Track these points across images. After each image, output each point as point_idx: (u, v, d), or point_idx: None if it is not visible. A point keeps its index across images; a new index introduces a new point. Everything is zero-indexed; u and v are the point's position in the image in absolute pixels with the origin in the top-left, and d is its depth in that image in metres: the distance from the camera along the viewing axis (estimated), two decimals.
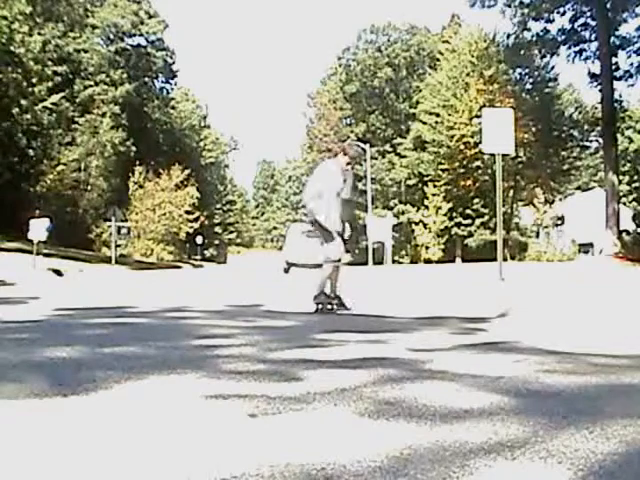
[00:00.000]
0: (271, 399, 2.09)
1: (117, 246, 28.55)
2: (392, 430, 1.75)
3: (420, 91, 44.73)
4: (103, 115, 39.52)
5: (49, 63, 32.05)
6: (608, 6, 25.96)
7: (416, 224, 40.62)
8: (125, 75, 43.60)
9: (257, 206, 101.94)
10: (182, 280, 16.38)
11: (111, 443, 1.62)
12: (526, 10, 28.15)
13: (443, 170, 39.52)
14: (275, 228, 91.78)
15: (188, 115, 59.08)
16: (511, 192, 39.25)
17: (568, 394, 2.22)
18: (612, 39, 26.27)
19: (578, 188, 54.93)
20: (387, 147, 48.88)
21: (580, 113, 38.89)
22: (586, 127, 36.87)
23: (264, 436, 1.68)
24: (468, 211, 39.85)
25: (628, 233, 24.82)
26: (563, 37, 28.23)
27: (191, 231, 42.93)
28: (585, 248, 36.61)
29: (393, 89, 52.32)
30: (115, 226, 27.78)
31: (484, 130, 9.65)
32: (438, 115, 39.75)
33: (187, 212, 40.70)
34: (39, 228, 18.69)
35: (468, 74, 38.83)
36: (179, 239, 42.94)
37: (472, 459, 1.49)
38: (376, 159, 47.08)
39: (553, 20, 28.40)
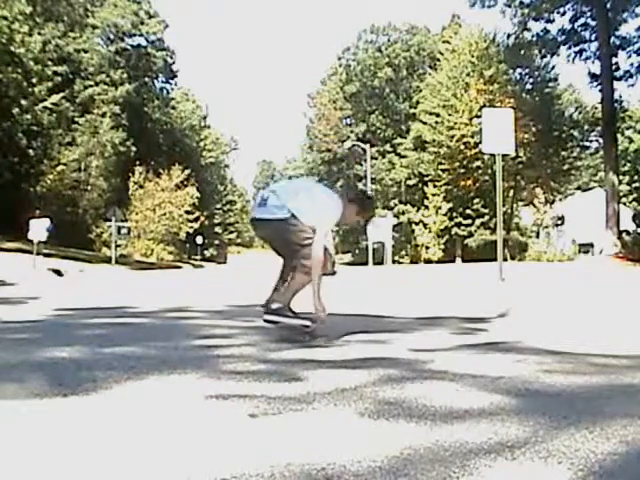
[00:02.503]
0: (271, 399, 2.09)
1: (117, 246, 28.54)
2: (392, 430, 1.75)
3: (420, 91, 44.76)
4: (103, 115, 39.53)
5: (49, 63, 32.05)
6: (608, 6, 25.96)
7: (416, 224, 40.63)
8: (125, 75, 43.59)
9: None
10: (182, 280, 16.37)
11: (111, 443, 1.62)
12: (526, 10, 28.18)
13: (443, 170, 39.53)
14: None
15: (188, 115, 59.08)
16: (511, 192, 39.27)
17: (568, 394, 2.22)
18: (612, 39, 26.29)
19: (578, 188, 54.94)
20: (387, 147, 48.93)
21: (580, 113, 38.92)
22: (586, 127, 36.89)
23: (264, 436, 1.69)
24: (468, 211, 39.88)
25: (628, 233, 24.81)
26: (563, 37, 28.25)
27: (191, 231, 42.93)
28: (585, 248, 36.58)
29: (393, 89, 52.36)
30: (115, 226, 27.77)
31: (484, 130, 9.65)
32: (438, 115, 39.76)
33: (187, 212, 40.70)
34: (39, 228, 18.68)
35: (468, 74, 38.85)
36: (179, 239, 42.95)
37: (472, 459, 1.49)
38: (376, 159, 47.12)
39: (553, 20, 28.45)
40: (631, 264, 18.10)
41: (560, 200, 43.19)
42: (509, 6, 28.61)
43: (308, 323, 3.81)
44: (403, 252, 42.15)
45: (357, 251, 50.60)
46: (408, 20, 54.00)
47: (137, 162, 39.94)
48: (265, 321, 3.86)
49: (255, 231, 4.17)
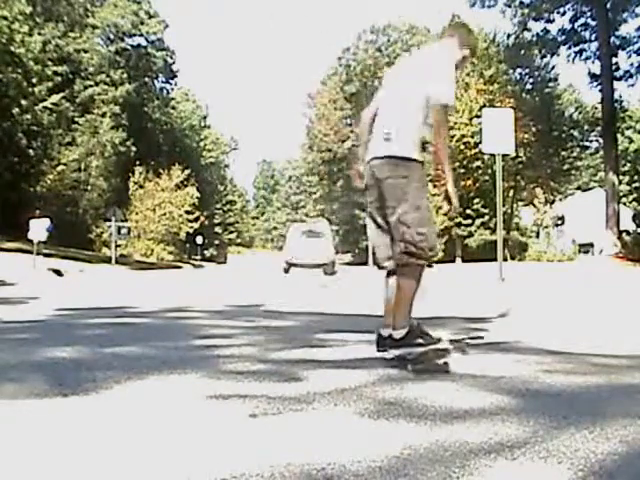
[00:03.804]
0: (271, 399, 2.09)
1: (117, 246, 28.51)
2: (392, 430, 1.75)
3: None
4: (103, 115, 39.51)
5: (49, 63, 32.02)
6: (608, 6, 25.95)
7: None
8: (125, 75, 43.57)
9: (257, 206, 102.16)
10: (182, 280, 16.37)
11: (111, 443, 1.62)
12: (526, 10, 28.19)
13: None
14: (275, 228, 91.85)
15: (188, 115, 59.07)
16: (511, 192, 39.27)
17: (568, 394, 2.22)
18: (612, 39, 26.28)
19: (578, 188, 54.91)
20: None
21: (580, 113, 38.92)
22: (586, 127, 36.90)
23: (264, 436, 1.69)
24: (468, 211, 39.89)
25: (628, 233, 24.80)
26: (563, 37, 28.26)
27: (191, 231, 42.91)
28: (585, 248, 36.60)
29: None
30: (115, 226, 27.75)
31: (484, 130, 9.67)
32: None
33: (187, 212, 40.68)
34: (39, 228, 18.66)
35: (468, 74, 38.84)
36: (179, 239, 42.91)
37: (472, 459, 1.49)
38: None
39: (553, 20, 28.45)
40: (631, 264, 18.09)
41: (560, 200, 43.18)
42: (509, 6, 28.62)
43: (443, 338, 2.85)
44: None
45: (357, 251, 50.60)
46: (408, 20, 53.92)
47: (137, 162, 39.90)
48: (390, 361, 2.71)
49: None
